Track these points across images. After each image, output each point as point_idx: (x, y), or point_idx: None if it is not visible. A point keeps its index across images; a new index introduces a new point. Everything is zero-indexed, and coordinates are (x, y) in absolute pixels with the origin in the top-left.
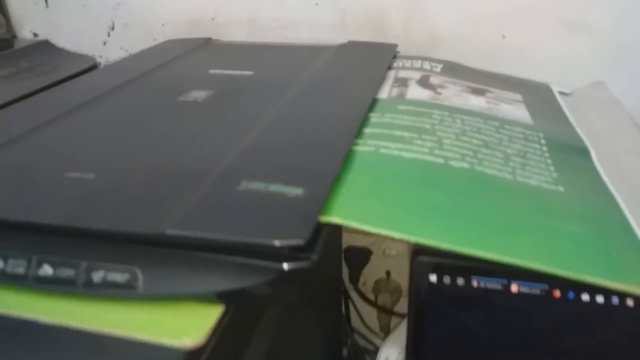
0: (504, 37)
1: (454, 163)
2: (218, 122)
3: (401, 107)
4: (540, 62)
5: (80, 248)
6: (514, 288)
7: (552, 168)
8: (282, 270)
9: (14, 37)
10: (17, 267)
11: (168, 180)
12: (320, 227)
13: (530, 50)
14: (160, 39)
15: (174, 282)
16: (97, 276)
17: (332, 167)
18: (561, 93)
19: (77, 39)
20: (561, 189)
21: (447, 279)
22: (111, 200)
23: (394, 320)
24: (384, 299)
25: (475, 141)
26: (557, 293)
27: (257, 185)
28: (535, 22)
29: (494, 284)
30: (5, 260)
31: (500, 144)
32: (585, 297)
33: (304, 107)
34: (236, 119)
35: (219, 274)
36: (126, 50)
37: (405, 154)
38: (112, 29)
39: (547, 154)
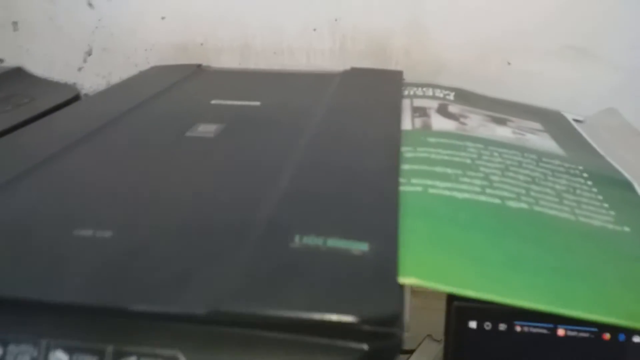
0: (509, 64)
1: (511, 204)
2: (240, 161)
3: (432, 140)
4: (546, 89)
5: (104, 330)
6: (561, 332)
7: (605, 205)
8: (363, 351)
9: None
10: (23, 355)
11: (204, 238)
12: (400, 291)
13: (536, 77)
14: (143, 65)
15: None
16: None
17: (390, 214)
18: (575, 120)
19: (48, 65)
20: (627, 229)
21: (488, 325)
22: (139, 267)
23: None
24: None
25: (521, 177)
26: (606, 336)
27: (313, 241)
28: (541, 48)
29: (538, 329)
30: (5, 346)
31: (546, 179)
32: (637, 339)
33: (332, 142)
34: (259, 157)
35: (282, 357)
36: (103, 77)
37: (457, 194)
38: (89, 54)
39: (594, 189)
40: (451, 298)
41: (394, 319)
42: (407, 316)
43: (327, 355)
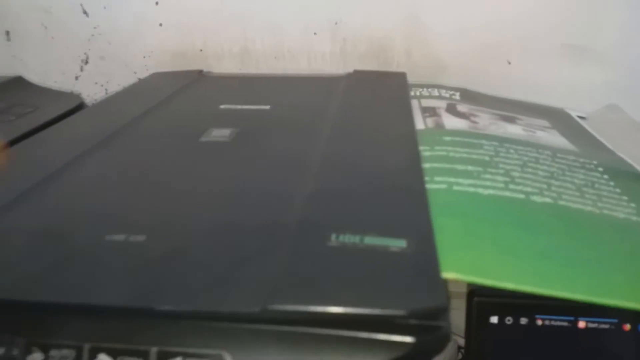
0: (509, 63)
1: (535, 198)
2: (262, 163)
3: (447, 139)
4: (546, 88)
5: (148, 331)
6: (582, 324)
7: (625, 198)
8: (411, 344)
9: None
10: (65, 359)
11: (240, 239)
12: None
13: (536, 75)
14: (142, 72)
15: None
16: None
17: (422, 211)
18: (579, 117)
19: (44, 75)
20: None
21: (509, 320)
22: (180, 269)
23: None
24: None
25: (540, 172)
26: (627, 326)
27: (349, 239)
28: (540, 48)
29: (559, 322)
30: (46, 351)
31: (564, 174)
32: None
33: (350, 142)
34: (281, 158)
35: (328, 354)
36: (102, 86)
37: (481, 191)
38: (86, 62)
39: (611, 183)
40: (472, 294)
41: (441, 312)
42: None
43: (375, 349)
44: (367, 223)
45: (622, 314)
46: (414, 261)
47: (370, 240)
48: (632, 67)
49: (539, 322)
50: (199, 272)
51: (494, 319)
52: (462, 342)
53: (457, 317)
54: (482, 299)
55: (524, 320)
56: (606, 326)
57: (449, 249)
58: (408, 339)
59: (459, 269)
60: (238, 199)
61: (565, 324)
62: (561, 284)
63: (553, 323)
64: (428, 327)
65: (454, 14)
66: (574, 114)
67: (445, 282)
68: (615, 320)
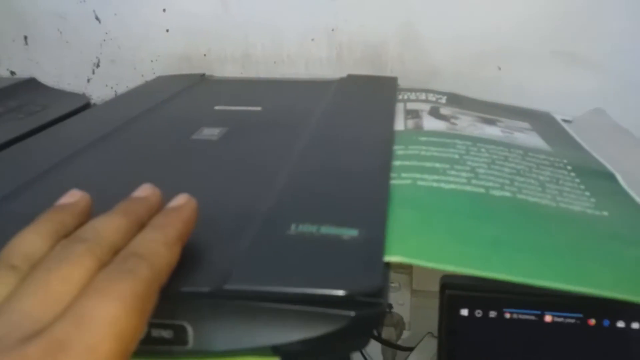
0: (499, 68)
1: (495, 192)
2: (242, 161)
3: (422, 139)
4: (536, 93)
5: None
6: (548, 318)
7: (587, 193)
8: (351, 317)
9: None
10: None
11: (208, 228)
12: (385, 268)
13: (526, 81)
14: (149, 76)
15: (231, 336)
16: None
17: (379, 204)
18: (564, 120)
19: (58, 77)
20: (605, 213)
21: (478, 312)
22: None
23: (400, 354)
24: (388, 333)
25: (507, 169)
26: (592, 321)
27: (307, 229)
28: (531, 53)
29: (527, 315)
30: None
31: (531, 171)
32: (620, 324)
33: (328, 143)
34: (260, 157)
35: (279, 325)
36: (112, 88)
37: (444, 185)
38: (97, 65)
39: (577, 180)
40: (444, 287)
41: (379, 290)
42: (407, 315)
43: (321, 321)
44: (326, 215)
45: (587, 309)
46: (362, 247)
47: (326, 229)
48: (622, 73)
49: (507, 316)
50: None
51: (464, 312)
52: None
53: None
54: (453, 291)
55: (492, 314)
56: (572, 320)
57: (398, 236)
58: (349, 313)
59: (403, 253)
60: (212, 192)
61: (532, 317)
62: (504, 267)
63: (520, 317)
64: (367, 303)
65: (447, 22)
66: (559, 117)
67: (387, 264)
68: (580, 315)
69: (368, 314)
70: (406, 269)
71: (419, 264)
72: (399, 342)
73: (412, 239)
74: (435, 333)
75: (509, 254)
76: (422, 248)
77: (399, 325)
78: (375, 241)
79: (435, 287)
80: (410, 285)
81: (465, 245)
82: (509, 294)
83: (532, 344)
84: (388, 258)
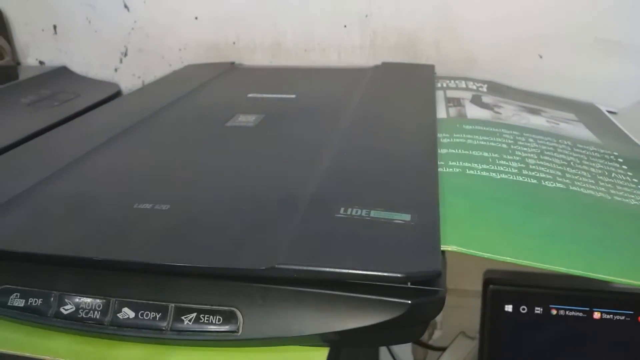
0: (540, 57)
1: (548, 184)
2: (282, 146)
3: (467, 127)
4: (578, 82)
5: (167, 288)
6: (597, 315)
7: None
8: (408, 305)
9: (18, 64)
10: (92, 311)
11: (255, 210)
12: (442, 257)
13: (568, 70)
14: (176, 65)
15: (282, 323)
16: (189, 319)
17: (430, 190)
18: (609, 112)
19: (86, 66)
20: None
21: (523, 309)
22: (199, 232)
23: (431, 354)
24: None
25: (557, 161)
26: None
27: (357, 212)
28: (573, 42)
29: (574, 312)
30: (77, 304)
31: (582, 163)
32: None
33: (369, 129)
34: (301, 142)
35: (330, 313)
36: (139, 77)
37: (494, 175)
38: (125, 55)
39: (629, 173)
40: (487, 282)
41: (436, 277)
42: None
43: (374, 309)
44: (375, 199)
45: (638, 305)
46: (416, 232)
47: (376, 213)
48: None
49: (554, 312)
50: (214, 235)
51: (509, 308)
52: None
53: (475, 317)
54: (497, 287)
55: (538, 310)
56: (621, 317)
57: (453, 224)
58: (405, 301)
59: (459, 242)
60: (257, 176)
61: (579, 314)
62: (562, 259)
63: (568, 313)
64: (424, 290)
65: (485, 7)
66: (603, 108)
67: (443, 252)
68: (631, 312)
69: (426, 302)
70: None
71: (475, 255)
72: (430, 342)
73: (467, 228)
74: (468, 333)
75: (567, 246)
76: (477, 238)
77: (431, 324)
78: (431, 226)
79: (469, 286)
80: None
81: (522, 236)
82: (555, 290)
83: (579, 342)
84: (444, 247)
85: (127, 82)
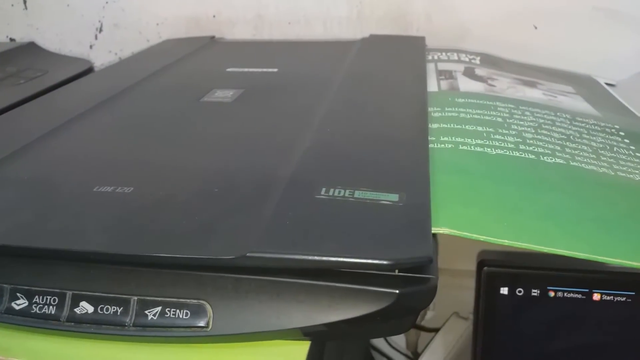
0: (535, 28)
1: (546, 159)
2: (260, 123)
3: (460, 100)
4: (575, 54)
5: (129, 280)
6: (596, 297)
7: None
8: (396, 295)
9: None
10: (47, 306)
11: (228, 192)
12: (433, 241)
13: (564, 41)
14: (155, 40)
15: (256, 317)
16: (153, 314)
17: (420, 167)
18: (607, 84)
19: (60, 43)
20: None
21: (520, 291)
22: (163, 218)
23: (423, 336)
24: None
25: (556, 135)
26: None
27: (340, 192)
28: (569, 12)
29: (573, 294)
30: (30, 298)
31: (582, 137)
32: None
33: (355, 104)
34: (280, 119)
35: (310, 305)
36: (116, 54)
37: (489, 151)
38: (100, 30)
39: (632, 147)
40: (481, 264)
41: (427, 264)
42: None
43: (358, 300)
44: (360, 178)
45: (639, 286)
46: (404, 214)
47: (361, 194)
48: None
49: (551, 294)
50: (181, 221)
51: (504, 290)
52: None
53: (469, 297)
54: (492, 269)
55: (535, 292)
56: (622, 299)
57: (445, 205)
58: (392, 290)
59: (451, 224)
60: (231, 156)
61: (578, 295)
62: (562, 241)
63: (566, 295)
64: (413, 278)
65: None
66: (602, 80)
67: (434, 236)
68: (631, 293)
69: (416, 291)
70: None
71: (470, 237)
72: (423, 323)
73: (460, 208)
74: (462, 313)
75: (569, 226)
76: (471, 219)
77: None
78: (420, 207)
79: (462, 265)
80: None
81: (520, 216)
82: (553, 271)
83: (578, 324)
84: (435, 230)
85: (103, 59)
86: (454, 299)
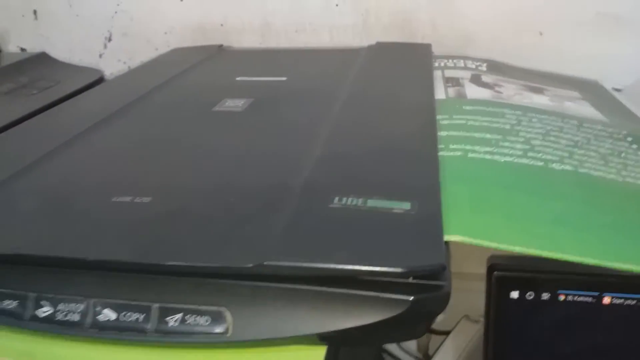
0: (541, 34)
1: (555, 166)
2: (271, 132)
3: (467, 108)
4: (580, 59)
5: (150, 288)
6: (607, 300)
7: None
8: (410, 302)
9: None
10: (72, 313)
11: (243, 201)
12: (446, 248)
13: (570, 47)
14: (163, 49)
15: (274, 323)
16: (174, 320)
17: (431, 176)
18: (614, 89)
19: (69, 52)
20: None
21: (530, 295)
22: (182, 227)
23: (434, 339)
24: None
25: (563, 141)
26: None
27: (352, 201)
28: (574, 17)
29: (583, 297)
30: (55, 305)
31: (589, 143)
32: None
33: (364, 112)
34: (291, 128)
35: (326, 311)
36: (124, 63)
37: (498, 158)
38: (109, 39)
39: (639, 153)
40: (492, 268)
41: (440, 271)
42: None
43: (373, 307)
44: (372, 186)
45: None
46: (417, 222)
47: (374, 202)
48: None
49: (562, 298)
50: (199, 230)
51: (515, 294)
52: None
53: (479, 300)
54: (502, 273)
55: (545, 296)
56: (632, 302)
57: (456, 213)
58: (406, 297)
59: (463, 232)
60: (244, 164)
61: (589, 299)
62: (573, 248)
63: (576, 298)
64: (427, 286)
65: None
66: (608, 85)
67: (447, 243)
68: None
69: (430, 297)
70: None
71: (481, 244)
72: (433, 326)
73: (471, 215)
74: (472, 316)
75: (577, 232)
76: (482, 227)
77: None
78: (432, 215)
79: (473, 269)
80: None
81: (529, 223)
82: (563, 274)
83: (588, 327)
84: (447, 237)
85: (113, 67)
86: (465, 302)
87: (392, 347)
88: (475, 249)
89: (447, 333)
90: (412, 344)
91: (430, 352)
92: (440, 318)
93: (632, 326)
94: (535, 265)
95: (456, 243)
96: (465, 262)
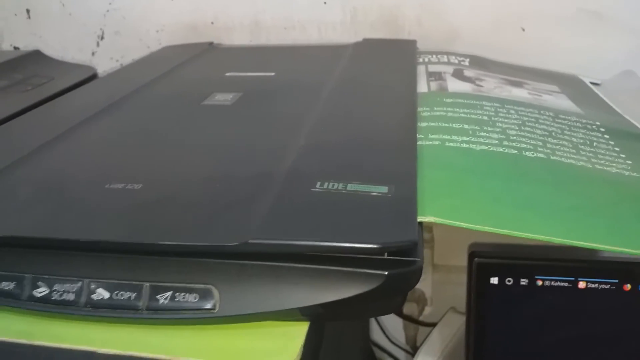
0: (523, 30)
1: (528, 154)
2: (258, 123)
3: (448, 100)
4: (562, 55)
5: (141, 267)
6: (582, 285)
7: (622, 155)
8: (385, 276)
9: None
10: (67, 292)
11: (229, 187)
12: (419, 227)
13: (551, 42)
14: (155, 47)
15: (259, 299)
16: (164, 298)
17: (408, 162)
18: (592, 83)
19: (62, 51)
20: None
21: (509, 280)
22: (172, 210)
23: (422, 330)
24: (409, 309)
25: (538, 131)
26: (627, 287)
27: (333, 186)
28: (555, 13)
29: (559, 282)
30: (50, 286)
31: (563, 133)
32: None
33: (349, 104)
34: (277, 119)
35: (307, 287)
36: (117, 61)
37: (474, 147)
38: (102, 38)
39: (611, 142)
40: (472, 255)
41: (413, 247)
42: (430, 290)
43: (350, 281)
44: (352, 173)
45: (623, 274)
46: (392, 204)
47: (353, 187)
48: None
49: (539, 283)
50: (188, 213)
51: (494, 280)
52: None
53: (462, 292)
54: (482, 260)
55: (524, 281)
56: (606, 286)
57: (431, 196)
58: (381, 272)
59: (436, 213)
60: (231, 153)
61: (565, 284)
62: (539, 228)
63: (553, 284)
64: (401, 261)
65: None
66: (587, 80)
67: (420, 223)
68: (615, 281)
69: (403, 272)
70: (427, 242)
71: (452, 224)
72: (421, 318)
73: (445, 199)
74: (458, 308)
75: (546, 214)
76: (455, 208)
77: (421, 300)
78: (407, 198)
79: (458, 262)
80: (431, 260)
81: (500, 205)
82: (540, 261)
83: (565, 312)
84: (420, 218)
85: (105, 66)
86: (451, 294)
87: (381, 340)
88: (461, 243)
89: (434, 325)
90: (400, 336)
91: (418, 343)
92: (427, 310)
93: (607, 309)
94: (514, 252)
95: (442, 236)
96: (451, 255)
